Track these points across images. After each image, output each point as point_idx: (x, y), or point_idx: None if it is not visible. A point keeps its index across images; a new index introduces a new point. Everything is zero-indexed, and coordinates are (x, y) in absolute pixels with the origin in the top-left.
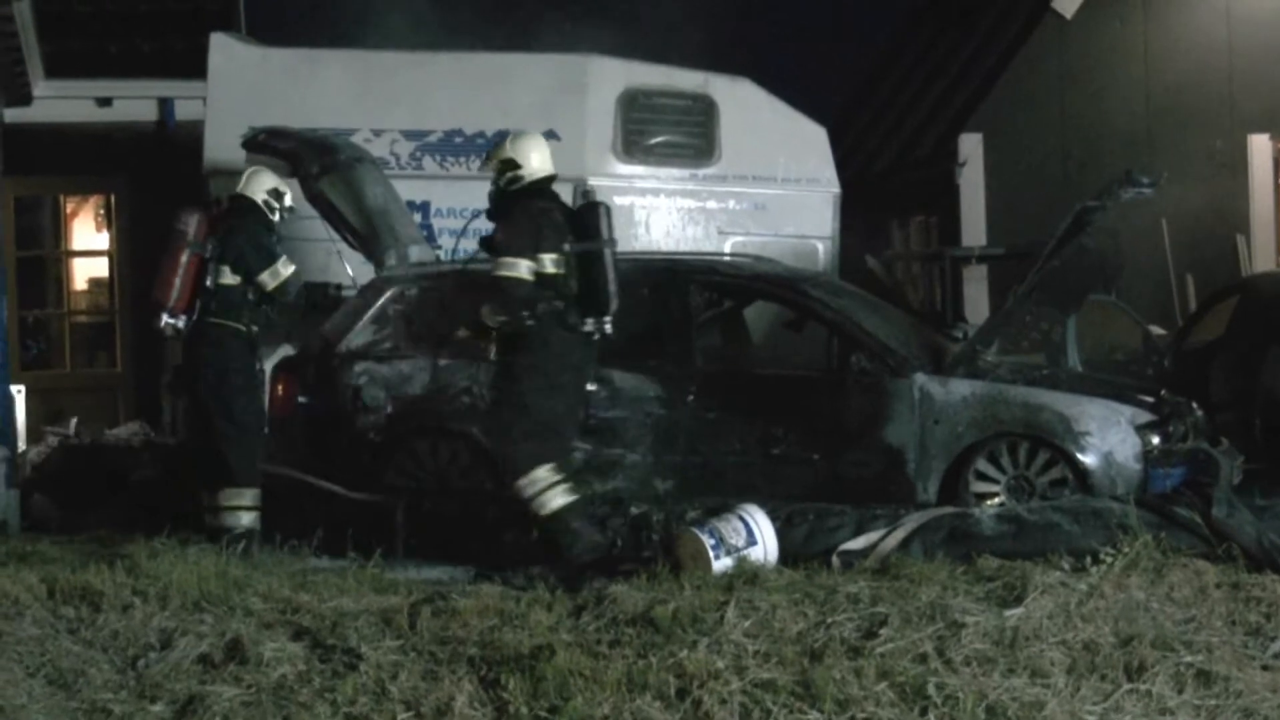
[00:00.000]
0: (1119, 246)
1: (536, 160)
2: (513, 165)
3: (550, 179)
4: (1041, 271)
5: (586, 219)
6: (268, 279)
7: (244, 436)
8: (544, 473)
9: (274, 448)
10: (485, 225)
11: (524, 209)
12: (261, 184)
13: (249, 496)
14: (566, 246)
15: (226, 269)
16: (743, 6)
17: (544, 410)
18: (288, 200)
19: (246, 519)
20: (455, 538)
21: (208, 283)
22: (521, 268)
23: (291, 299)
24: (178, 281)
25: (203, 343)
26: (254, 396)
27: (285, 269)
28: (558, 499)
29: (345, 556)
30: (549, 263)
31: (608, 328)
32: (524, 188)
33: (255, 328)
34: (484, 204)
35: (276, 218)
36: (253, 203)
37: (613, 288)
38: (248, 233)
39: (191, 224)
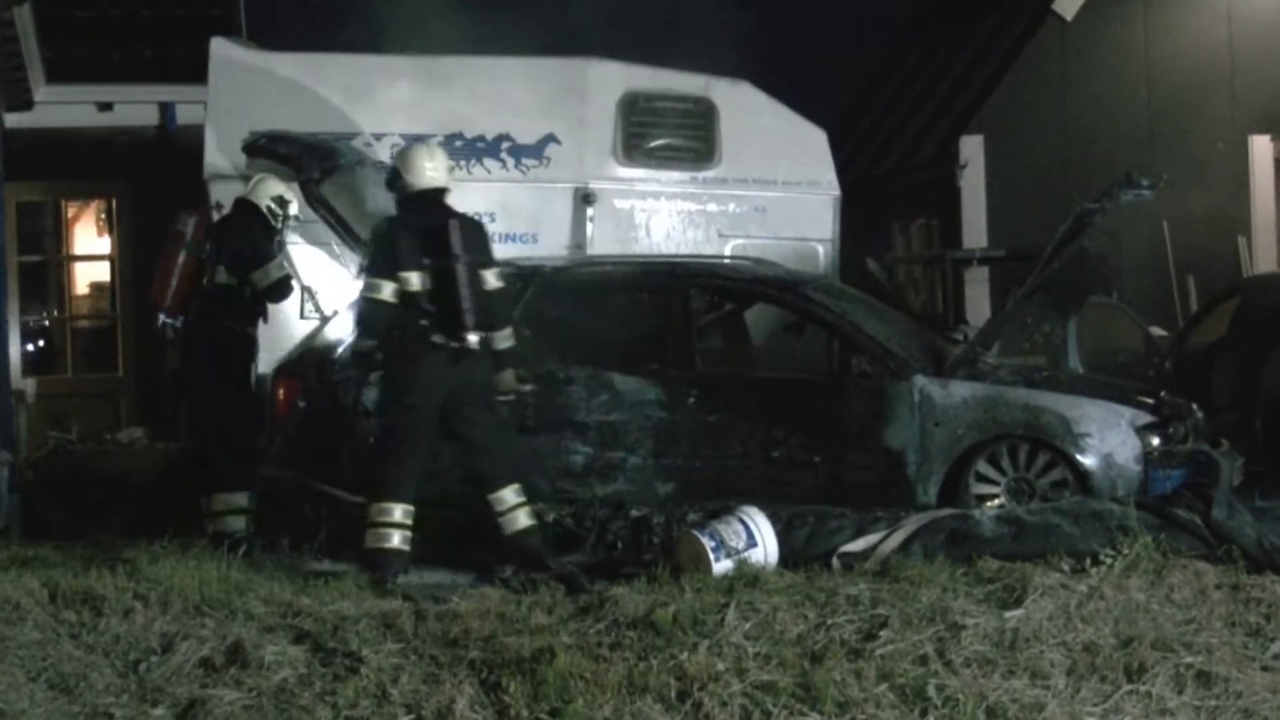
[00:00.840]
0: (1118, 248)
1: (415, 173)
2: (397, 176)
3: (432, 191)
4: (1042, 274)
5: (438, 236)
6: (259, 278)
7: (236, 439)
8: (391, 508)
9: (274, 451)
10: None
11: (388, 226)
12: (267, 190)
13: (242, 500)
14: (426, 261)
15: (222, 269)
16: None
17: (397, 430)
18: (293, 209)
19: (241, 522)
20: (457, 542)
21: (204, 283)
22: (385, 289)
23: (282, 301)
24: (174, 282)
25: (197, 343)
26: (248, 398)
27: (277, 271)
28: (395, 540)
29: (346, 560)
30: (413, 280)
31: (471, 342)
32: (401, 201)
33: (252, 329)
34: (485, 207)
35: (279, 224)
36: (255, 207)
37: (466, 304)
38: (246, 235)
39: (189, 225)
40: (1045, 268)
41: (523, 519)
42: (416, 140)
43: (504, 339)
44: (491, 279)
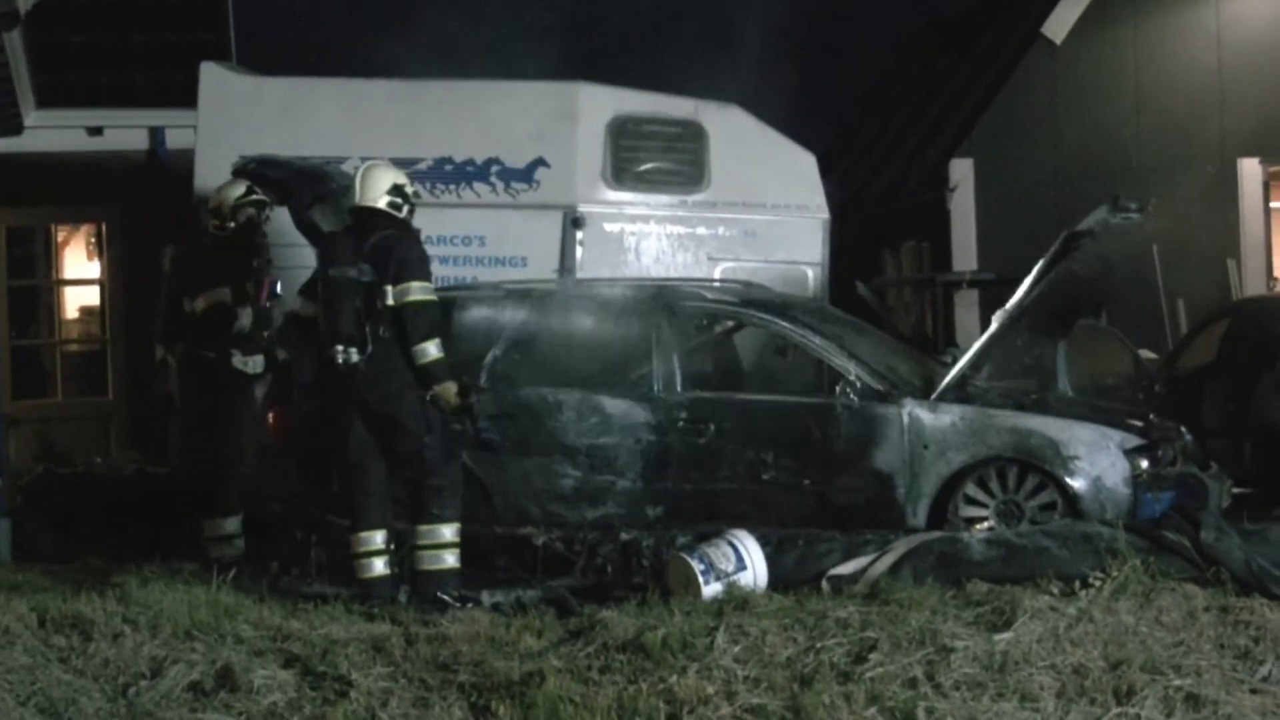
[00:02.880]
0: (1110, 271)
1: (358, 191)
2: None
3: (363, 210)
4: (1025, 297)
5: (325, 249)
6: (200, 303)
7: (223, 465)
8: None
9: (267, 476)
10: None
11: None
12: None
13: (230, 525)
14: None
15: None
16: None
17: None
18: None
19: (229, 548)
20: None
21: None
22: (296, 302)
23: (220, 327)
24: (161, 310)
25: (184, 371)
26: (235, 425)
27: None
28: (378, 568)
29: (338, 584)
30: (306, 301)
31: (338, 356)
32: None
33: (229, 356)
34: (476, 231)
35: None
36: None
37: (333, 318)
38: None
39: (165, 257)
40: (1029, 292)
41: (378, 568)
42: (404, 162)
43: (421, 354)
44: (403, 294)
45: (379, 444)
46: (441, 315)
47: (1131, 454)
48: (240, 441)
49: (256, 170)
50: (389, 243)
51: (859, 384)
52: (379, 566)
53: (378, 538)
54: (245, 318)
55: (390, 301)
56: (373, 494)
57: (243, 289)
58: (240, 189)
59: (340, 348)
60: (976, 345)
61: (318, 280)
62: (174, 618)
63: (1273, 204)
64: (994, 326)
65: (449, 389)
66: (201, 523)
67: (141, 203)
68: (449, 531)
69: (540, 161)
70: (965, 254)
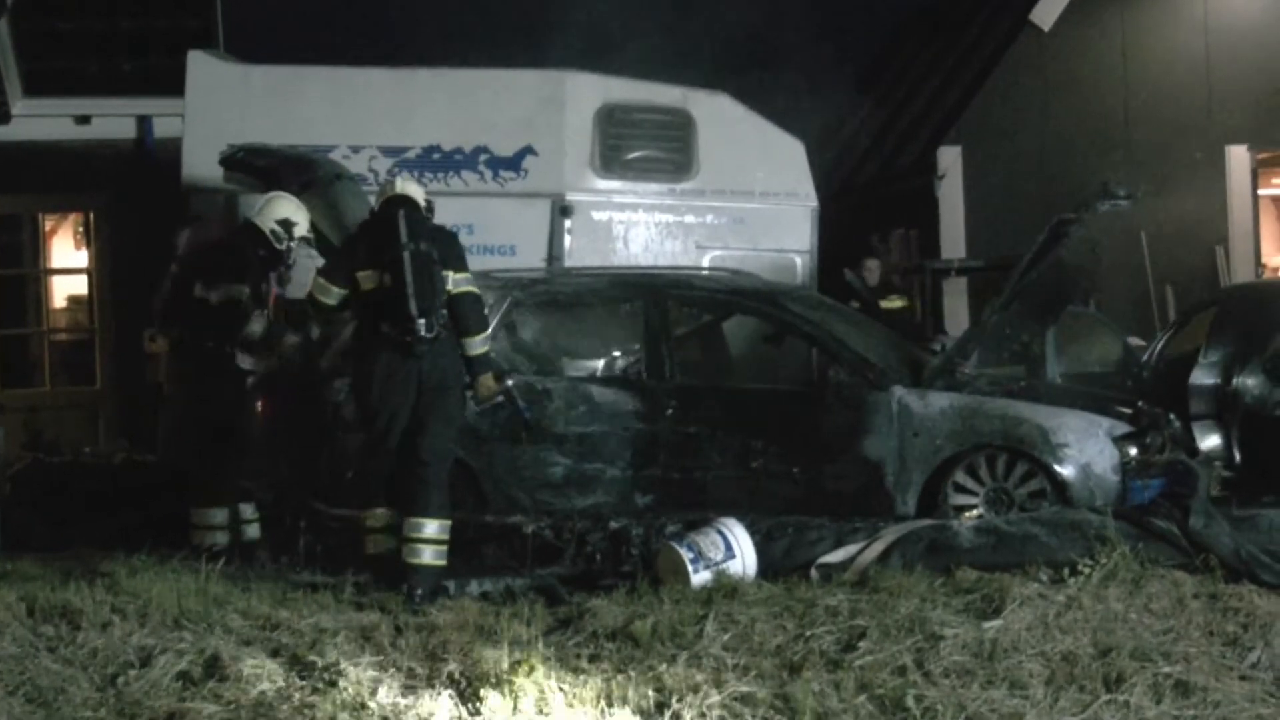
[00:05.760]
0: (1099, 258)
1: (384, 189)
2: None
3: (397, 198)
4: (1017, 284)
5: (387, 229)
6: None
7: (216, 453)
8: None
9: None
10: None
11: (354, 232)
12: (273, 213)
13: (218, 516)
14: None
15: (199, 285)
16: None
17: (369, 434)
18: (298, 230)
19: (216, 537)
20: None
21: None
22: (331, 293)
23: (257, 334)
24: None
25: (179, 359)
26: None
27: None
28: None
29: (327, 573)
30: (368, 278)
31: (419, 328)
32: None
33: (231, 346)
34: (462, 219)
35: (282, 247)
36: (259, 229)
37: (411, 289)
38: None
39: (182, 239)
40: (1021, 278)
41: (427, 557)
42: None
43: (475, 345)
44: (463, 283)
45: (411, 423)
46: None
47: (1120, 441)
48: (242, 432)
49: (244, 158)
50: (441, 233)
51: (848, 372)
52: (391, 543)
53: (389, 514)
54: (258, 323)
55: (450, 287)
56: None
57: (259, 292)
58: (305, 218)
59: (423, 321)
60: (966, 332)
61: (360, 263)
62: (162, 607)
63: (1260, 191)
64: (986, 315)
65: (489, 379)
66: (189, 511)
67: (129, 191)
68: (433, 528)
69: (528, 150)
70: (953, 241)
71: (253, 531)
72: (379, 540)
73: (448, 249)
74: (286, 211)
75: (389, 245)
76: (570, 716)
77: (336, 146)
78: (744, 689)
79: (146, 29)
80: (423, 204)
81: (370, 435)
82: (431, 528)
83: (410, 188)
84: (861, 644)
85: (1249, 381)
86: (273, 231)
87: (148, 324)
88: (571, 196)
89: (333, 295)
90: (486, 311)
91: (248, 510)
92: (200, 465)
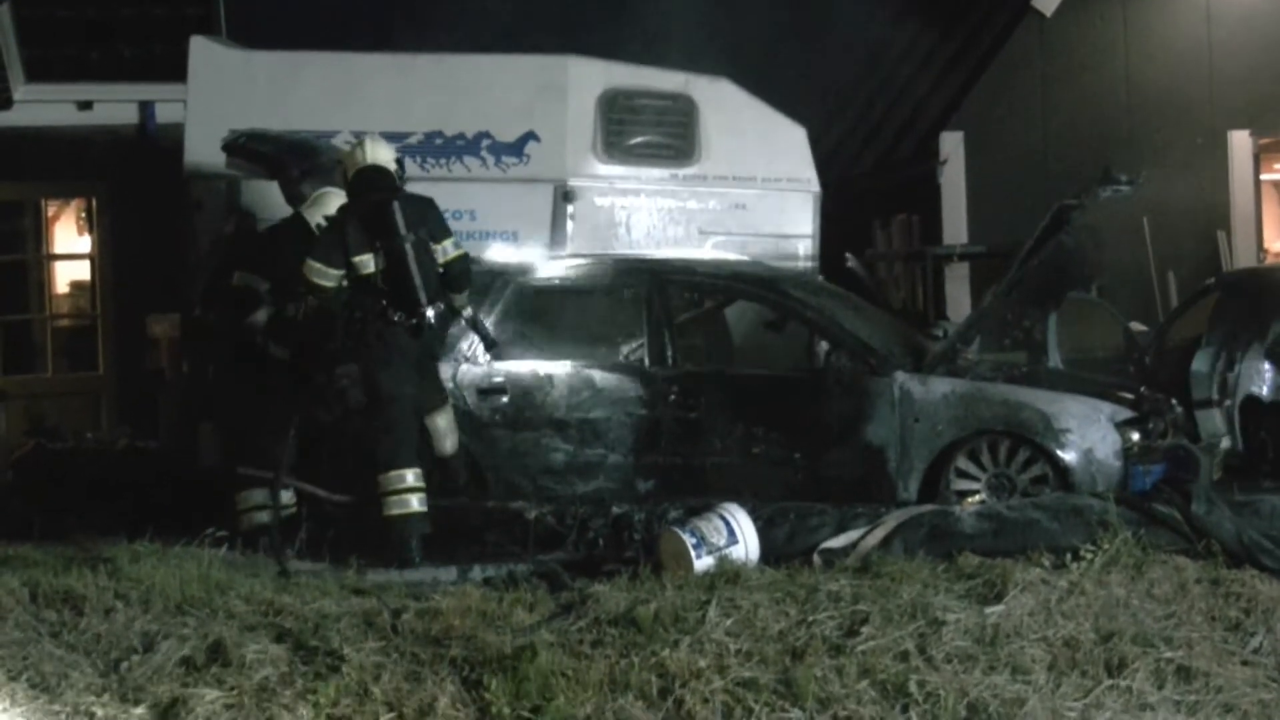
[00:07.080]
0: (1101, 244)
1: (353, 158)
2: (341, 171)
3: (370, 169)
4: (1019, 270)
5: (382, 218)
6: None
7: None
8: (403, 474)
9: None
10: None
11: (338, 215)
12: (321, 208)
13: (259, 496)
14: (377, 244)
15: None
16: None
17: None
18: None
19: (258, 517)
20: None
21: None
22: (330, 276)
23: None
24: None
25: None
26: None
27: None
28: (414, 504)
29: (327, 559)
30: (368, 263)
31: (428, 316)
32: (349, 190)
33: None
34: (465, 205)
35: None
36: (305, 223)
37: (418, 280)
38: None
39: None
40: (1023, 264)
41: (414, 504)
42: (394, 136)
43: (464, 301)
44: (449, 248)
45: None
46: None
47: (1122, 427)
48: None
49: (247, 144)
50: (418, 202)
51: (849, 357)
52: (415, 502)
53: (410, 475)
54: (261, 315)
55: (445, 257)
56: (409, 439)
57: (286, 285)
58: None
59: (432, 309)
60: (968, 318)
61: (356, 248)
62: (165, 592)
63: (1263, 176)
64: (988, 300)
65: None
66: (232, 496)
67: (131, 177)
68: (413, 475)
69: (530, 135)
70: (955, 227)
71: (263, 516)
72: (399, 500)
73: (435, 224)
74: (335, 208)
75: (385, 235)
76: (573, 702)
77: (339, 132)
78: (747, 674)
79: (148, 15)
80: (394, 168)
81: (386, 414)
82: (411, 475)
83: (380, 153)
84: (864, 629)
85: (1250, 367)
86: (318, 226)
87: (149, 309)
88: (574, 182)
89: (330, 278)
90: (490, 299)
91: (286, 495)
92: (242, 445)
